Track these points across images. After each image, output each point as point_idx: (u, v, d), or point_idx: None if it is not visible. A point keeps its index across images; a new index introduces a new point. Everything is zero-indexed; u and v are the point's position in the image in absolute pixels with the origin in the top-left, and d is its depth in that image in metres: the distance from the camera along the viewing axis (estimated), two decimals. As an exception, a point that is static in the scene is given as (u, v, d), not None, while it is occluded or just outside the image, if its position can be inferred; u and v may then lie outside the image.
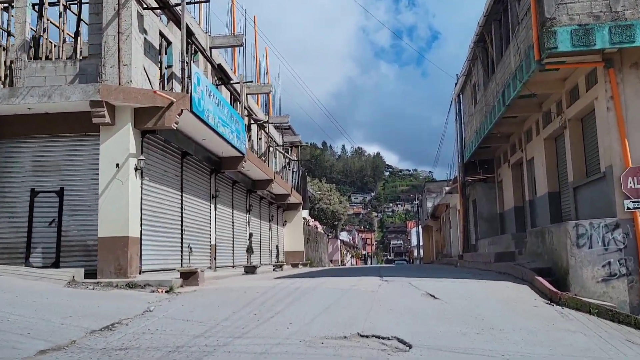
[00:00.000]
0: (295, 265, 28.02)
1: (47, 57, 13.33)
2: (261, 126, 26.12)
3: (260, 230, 26.33)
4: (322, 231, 44.33)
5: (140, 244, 12.36)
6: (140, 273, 12.24)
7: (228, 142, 16.09)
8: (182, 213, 15.27)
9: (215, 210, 18.60)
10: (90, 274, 11.58)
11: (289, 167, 34.44)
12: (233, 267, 20.43)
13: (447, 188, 30.01)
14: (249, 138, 24.65)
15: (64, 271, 10.82)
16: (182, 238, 15.15)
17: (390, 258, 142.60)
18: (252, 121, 24.56)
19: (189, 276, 11.69)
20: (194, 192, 16.53)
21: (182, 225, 15.20)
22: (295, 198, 31.33)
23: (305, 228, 35.63)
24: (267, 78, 27.42)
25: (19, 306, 7.95)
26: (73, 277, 10.60)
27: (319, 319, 7.99)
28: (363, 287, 11.02)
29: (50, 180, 12.51)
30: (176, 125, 12.42)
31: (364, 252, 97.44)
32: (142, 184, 12.59)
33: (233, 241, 20.90)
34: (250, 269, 17.54)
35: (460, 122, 25.64)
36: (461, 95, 25.88)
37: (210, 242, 17.92)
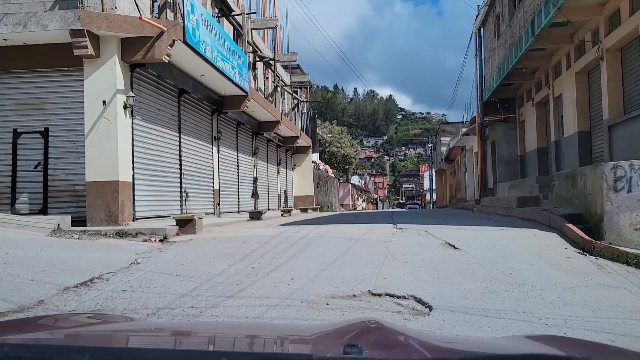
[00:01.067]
0: (304, 210, 27.22)
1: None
2: (267, 64, 24.63)
3: (268, 174, 25.37)
4: (332, 175, 43.36)
5: (133, 188, 11.40)
6: (134, 220, 11.35)
7: (229, 79, 14.82)
8: (180, 156, 14.23)
9: (218, 153, 17.55)
10: (80, 222, 10.71)
11: (298, 108, 33.07)
12: (239, 212, 19.60)
13: (463, 130, 28.63)
14: (255, 77, 23.26)
15: (49, 218, 9.92)
16: (181, 182, 14.19)
17: (402, 202, 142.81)
18: (257, 58, 23.08)
19: (185, 224, 10.77)
20: (194, 134, 15.43)
21: (180, 169, 14.20)
22: (304, 141, 30.16)
23: (315, 172, 34.65)
24: (274, 12, 25.67)
25: (-14, 259, 7.06)
26: (58, 225, 9.71)
27: (325, 273, 7.02)
28: (375, 236, 10.02)
29: (34, 120, 11.46)
30: (168, 58, 11.17)
31: (375, 196, 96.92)
32: (132, 123, 11.50)
33: (238, 186, 19.97)
34: (255, 215, 16.66)
35: (480, 58, 23.96)
36: (482, 29, 24.06)
37: (213, 186, 16.98)
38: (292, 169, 31.77)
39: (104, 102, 10.70)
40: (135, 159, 11.53)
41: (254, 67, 22.99)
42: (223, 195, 17.89)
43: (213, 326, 2.33)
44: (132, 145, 11.45)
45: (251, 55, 22.36)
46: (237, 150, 20.10)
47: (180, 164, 14.21)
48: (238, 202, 19.91)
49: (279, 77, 27.48)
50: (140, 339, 1.58)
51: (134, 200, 11.39)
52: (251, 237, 10.14)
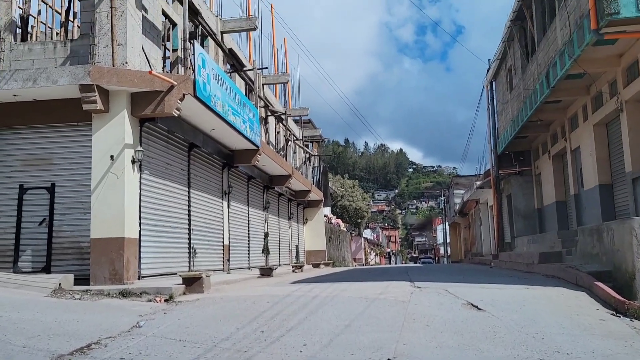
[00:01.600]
0: (316, 266, 26.55)
1: (36, 39, 12.06)
2: (279, 118, 24.68)
3: (279, 229, 24.92)
4: (344, 229, 42.77)
5: (139, 245, 11.01)
6: (139, 278, 10.89)
7: (240, 133, 14.67)
8: (189, 211, 13.90)
9: (229, 207, 17.22)
10: (84, 280, 10.28)
11: (309, 162, 32.96)
12: (249, 268, 19.05)
13: (477, 183, 28.20)
14: (266, 131, 23.25)
15: (50, 277, 9.51)
16: (189, 238, 13.78)
17: (414, 255, 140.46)
18: (269, 113, 23.15)
19: (192, 282, 10.28)
20: (204, 188, 15.16)
21: (189, 224, 13.83)
22: (316, 195, 29.85)
23: (327, 226, 34.15)
24: (286, 68, 26.01)
25: (-23, 323, 6.61)
26: (59, 284, 9.28)
27: (340, 339, 6.47)
28: (392, 295, 9.45)
29: (40, 175, 11.25)
30: (178, 112, 11.02)
31: (388, 250, 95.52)
32: (140, 178, 11.24)
33: (249, 241, 19.51)
34: (266, 272, 16.11)
35: (492, 111, 23.82)
36: (494, 82, 24.04)
37: (223, 242, 16.55)
38: (304, 223, 31.32)
39: (111, 156, 10.49)
40: (142, 215, 11.20)
41: (265, 121, 23.02)
42: (233, 250, 17.42)
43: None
44: (140, 200, 11.15)
45: (263, 109, 22.43)
46: (248, 205, 19.77)
47: (189, 219, 13.86)
48: (248, 257, 19.39)
49: (290, 132, 27.51)
50: None
51: (139, 257, 10.98)
52: (261, 296, 9.62)
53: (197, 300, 9.47)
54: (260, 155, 16.96)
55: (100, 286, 9.93)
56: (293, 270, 21.03)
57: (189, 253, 13.64)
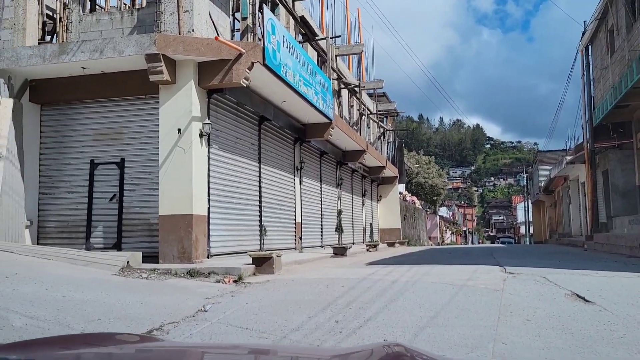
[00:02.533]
0: (391, 244, 25.63)
1: (105, 10, 11.78)
2: (352, 91, 23.67)
3: (353, 206, 24.14)
4: (420, 207, 41.39)
5: (208, 223, 10.56)
6: (208, 257, 10.47)
7: (312, 105, 13.88)
8: (260, 187, 13.37)
9: (301, 184, 16.60)
10: (153, 257, 9.99)
11: (384, 137, 31.81)
12: (322, 246, 18.45)
13: (567, 158, 25.97)
14: (339, 104, 22.37)
15: (119, 255, 9.24)
16: (260, 216, 13.28)
17: (492, 234, 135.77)
18: (342, 85, 22.21)
19: (262, 262, 9.71)
20: (275, 164, 14.58)
21: (260, 201, 13.32)
22: (390, 171, 28.75)
23: (401, 203, 33.00)
24: (359, 38, 24.83)
25: (39, 304, 6.28)
26: (127, 262, 8.98)
27: (425, 333, 5.57)
28: (482, 282, 8.39)
29: (110, 150, 11.03)
30: (246, 82, 10.36)
31: (464, 229, 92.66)
32: (209, 152, 10.74)
33: (321, 218, 18.88)
34: (339, 251, 15.42)
35: (588, 79, 21.60)
36: (590, 47, 21.74)
37: (295, 219, 15.98)
38: (378, 200, 30.37)
39: (179, 130, 10.02)
40: (211, 191, 10.74)
41: (338, 94, 22.12)
42: (305, 228, 16.84)
43: (238, 349, 2.15)
44: (208, 176, 10.67)
45: (335, 82, 21.51)
46: (321, 181, 19.09)
47: (260, 196, 13.34)
48: (321, 236, 18.79)
49: (364, 105, 26.47)
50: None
51: (208, 235, 10.54)
52: (335, 279, 8.86)
53: (267, 282, 8.87)
54: (333, 129, 16.14)
55: (168, 264, 9.57)
56: (367, 249, 20.24)
57: (260, 231, 13.15)
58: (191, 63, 10.14)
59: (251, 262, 9.76)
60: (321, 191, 19.07)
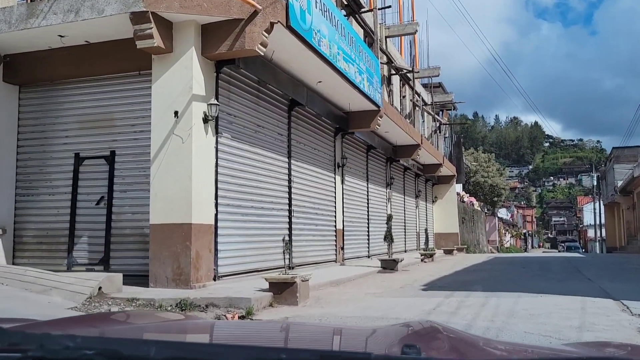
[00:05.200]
0: (448, 252, 22.59)
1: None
2: (405, 78, 20.83)
3: (405, 209, 21.31)
4: (478, 208, 37.90)
5: (216, 234, 8.14)
6: (215, 279, 8.04)
7: (355, 87, 11.27)
8: (290, 187, 10.87)
9: (343, 183, 13.99)
10: (147, 278, 7.67)
11: (439, 132, 28.75)
12: (368, 257, 15.80)
13: (659, 153, 22.14)
14: (389, 93, 19.63)
15: (89, 278, 6.91)
16: (290, 223, 10.78)
17: (551, 237, 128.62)
18: (392, 71, 19.46)
19: (282, 289, 7.19)
20: (310, 159, 12.05)
21: (290, 205, 10.82)
22: (447, 169, 25.70)
23: (459, 205, 29.82)
24: (412, 15, 21.93)
25: None
26: (100, 288, 6.66)
27: None
28: (603, 333, 5.55)
29: (98, 141, 8.79)
30: (264, 50, 7.86)
31: (523, 231, 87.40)
32: (217, 142, 8.31)
33: (368, 224, 16.22)
34: (389, 265, 12.72)
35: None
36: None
37: (336, 226, 13.40)
38: (433, 202, 27.37)
39: (175, 113, 7.65)
40: (219, 193, 8.30)
41: (388, 81, 19.39)
42: (348, 236, 14.23)
43: (279, 326, 2.12)
44: (216, 173, 8.25)
45: (385, 67, 18.79)
46: (367, 180, 16.41)
47: (290, 199, 10.84)
48: (368, 244, 16.13)
49: (418, 95, 23.56)
50: (202, 334, 1.64)
51: (216, 250, 8.11)
52: (381, 319, 6.23)
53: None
54: (381, 118, 13.44)
55: (158, 290, 7.22)
56: (422, 260, 17.40)
57: (289, 242, 10.64)
58: (192, 25, 7.74)
59: (268, 287, 7.26)
60: (368, 192, 16.39)
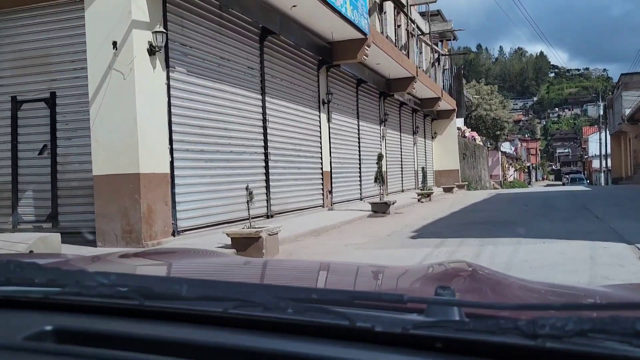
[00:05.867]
0: (448, 190, 21.72)
1: None
2: (399, 5, 19.18)
3: (402, 147, 20.22)
4: (480, 143, 36.70)
5: (172, 184, 7.15)
6: (175, 234, 7.14)
7: (336, 11, 9.94)
8: (264, 127, 9.78)
9: (329, 121, 12.88)
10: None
11: (438, 64, 27.17)
12: (361, 199, 14.89)
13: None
14: (381, 22, 18.10)
15: (19, 241, 5.99)
16: (266, 167, 9.77)
17: (556, 169, 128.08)
18: (384, -3, 17.85)
19: (247, 244, 6.29)
20: (288, 95, 10.89)
21: (265, 147, 9.77)
22: (447, 103, 24.40)
23: (460, 140, 28.67)
24: None
25: None
26: (30, 252, 5.74)
27: None
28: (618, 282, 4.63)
29: (36, 81, 7.66)
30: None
31: (528, 164, 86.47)
32: (168, 78, 7.17)
33: (360, 164, 15.21)
34: (380, 208, 11.80)
35: None
36: None
37: (322, 168, 12.39)
38: (432, 138, 26.23)
39: (114, 44, 6.48)
40: (175, 137, 7.25)
41: (380, 8, 17.82)
42: (337, 179, 13.26)
43: (309, 264, 2.15)
44: (169, 113, 7.16)
45: (376, -8, 17.18)
46: (358, 117, 15.25)
47: (266, 140, 9.77)
48: (360, 186, 15.19)
49: (414, 24, 21.92)
50: (234, 270, 1.63)
51: (174, 203, 7.15)
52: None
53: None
54: (369, 47, 12.12)
55: (107, 249, 6.31)
56: (419, 200, 16.51)
57: (267, 188, 9.68)
58: None
59: (230, 243, 6.35)
60: (359, 130, 15.27)
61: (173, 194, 7.12)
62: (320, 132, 12.38)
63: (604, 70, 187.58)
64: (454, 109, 26.19)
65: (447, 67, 28.39)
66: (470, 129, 37.16)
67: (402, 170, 20.09)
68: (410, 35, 21.63)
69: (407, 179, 20.69)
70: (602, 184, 48.10)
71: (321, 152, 12.37)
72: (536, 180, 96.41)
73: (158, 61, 6.85)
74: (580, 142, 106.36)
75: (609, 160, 47.01)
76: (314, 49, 11.62)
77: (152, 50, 6.69)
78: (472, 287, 1.36)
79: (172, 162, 7.11)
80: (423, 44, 24.65)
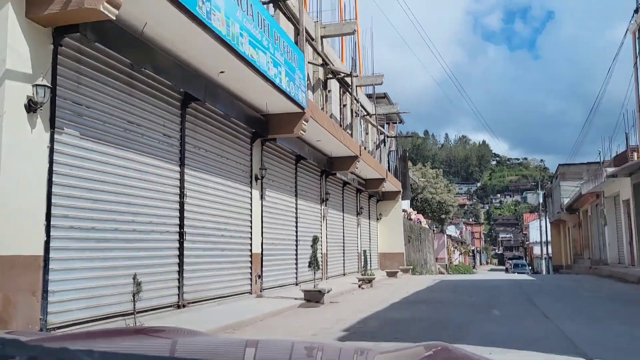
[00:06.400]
0: (392, 275, 20.73)
1: None
2: (344, 84, 18.94)
3: (345, 227, 19.29)
4: (426, 226, 36.42)
5: (45, 269, 5.77)
6: (43, 329, 5.68)
7: (269, 81, 9.18)
8: (182, 202, 8.60)
9: (262, 199, 11.83)
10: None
11: (384, 145, 27.06)
12: (296, 284, 13.60)
13: (609, 170, 21.08)
14: (326, 99, 17.70)
15: None
16: (181, 248, 8.49)
17: (499, 253, 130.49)
18: (329, 75, 17.55)
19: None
20: (216, 169, 9.83)
21: (181, 225, 8.54)
22: (392, 185, 23.96)
23: (405, 223, 28.14)
24: (356, 14, 20.11)
25: None
26: None
27: None
28: None
29: None
30: (114, 12, 5.62)
31: (472, 248, 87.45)
32: (52, 140, 5.97)
33: (297, 246, 14.07)
34: (313, 297, 10.58)
35: (643, 67, 16.87)
36: (646, 26, 17.04)
37: (251, 250, 11.18)
38: (378, 219, 25.55)
39: (-17, 97, 5.31)
40: (56, 211, 5.95)
41: (325, 85, 17.47)
42: (269, 262, 12.02)
43: (278, 344, 2.14)
44: (50, 182, 5.90)
45: (321, 70, 16.87)
46: (296, 196, 14.29)
47: (182, 217, 8.56)
48: (296, 270, 13.97)
49: (358, 102, 21.75)
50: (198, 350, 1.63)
51: (45, 293, 5.74)
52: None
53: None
54: (307, 122, 11.39)
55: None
56: (359, 286, 15.38)
57: (179, 272, 8.36)
58: (9, -27, 5.45)
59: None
60: (297, 209, 14.25)
61: (45, 282, 5.73)
62: (252, 210, 11.28)
63: (541, 160, 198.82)
64: (400, 191, 25.78)
65: (393, 149, 28.31)
66: (416, 212, 36.96)
67: (344, 253, 19.05)
68: (354, 114, 21.40)
69: (349, 262, 19.62)
70: (544, 271, 48.49)
71: (251, 232, 11.20)
72: (480, 264, 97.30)
73: (40, 120, 5.70)
74: (522, 228, 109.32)
75: (549, 247, 47.67)
76: (247, 120, 10.76)
77: (30, 107, 5.55)
78: None
79: (47, 242, 5.78)
80: (370, 125, 24.52)
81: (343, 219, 19.18)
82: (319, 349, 1.77)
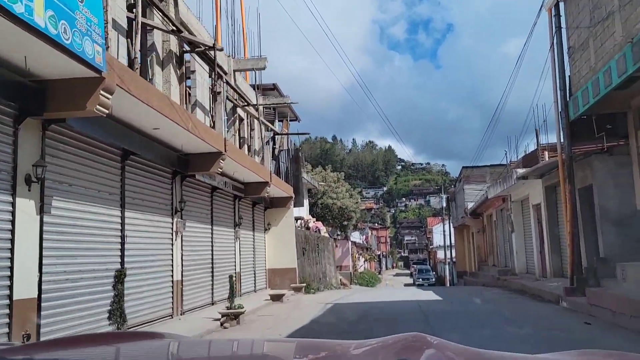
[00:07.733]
0: (277, 298, 17.09)
1: None
2: (204, 57, 14.89)
3: (213, 244, 15.28)
4: (326, 234, 33.23)
5: None
6: None
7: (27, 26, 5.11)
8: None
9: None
10: None
11: (274, 143, 23.43)
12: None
13: (519, 171, 18.86)
14: (183, 78, 13.73)
15: None
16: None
17: (404, 255, 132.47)
18: (185, 47, 13.57)
19: None
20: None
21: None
22: (281, 190, 20.35)
23: (300, 233, 24.66)
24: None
25: None
26: None
27: None
28: None
29: None
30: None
31: (378, 253, 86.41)
32: None
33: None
34: None
35: (560, 51, 14.53)
36: (563, 4, 14.71)
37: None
38: (266, 230, 21.85)
39: None
40: None
41: (179, 61, 13.47)
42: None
43: (255, 344, 2.14)
44: None
45: (173, 39, 12.89)
46: (123, 207, 10.12)
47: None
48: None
49: (237, 91, 17.92)
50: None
51: None
52: None
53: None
54: (110, 93, 7.35)
55: None
56: (222, 324, 11.51)
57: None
58: None
59: None
60: (122, 221, 10.07)
61: None
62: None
63: (443, 165, 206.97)
64: (291, 197, 22.24)
65: (284, 148, 24.72)
66: (315, 219, 33.69)
67: (212, 276, 15.01)
68: (234, 105, 17.56)
69: (222, 286, 15.63)
70: (448, 277, 47.21)
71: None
72: (387, 268, 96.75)
73: None
74: (426, 231, 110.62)
75: (453, 252, 46.51)
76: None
77: None
78: (429, 357, 1.36)
79: None
80: (256, 121, 20.76)
81: (212, 233, 15.19)
82: (305, 347, 1.81)
